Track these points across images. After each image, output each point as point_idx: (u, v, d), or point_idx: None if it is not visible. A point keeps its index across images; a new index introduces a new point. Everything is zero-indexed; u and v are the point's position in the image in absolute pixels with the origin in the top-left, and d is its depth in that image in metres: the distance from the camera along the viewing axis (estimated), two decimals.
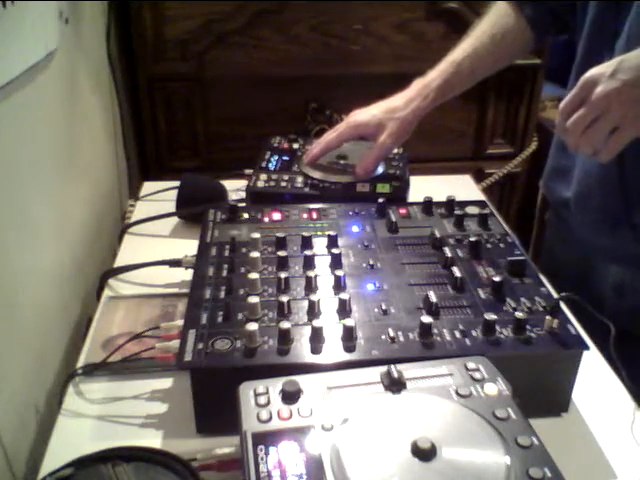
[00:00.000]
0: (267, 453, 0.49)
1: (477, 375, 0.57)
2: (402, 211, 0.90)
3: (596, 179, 0.85)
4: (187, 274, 0.82)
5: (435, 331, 0.65)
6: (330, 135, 1.02)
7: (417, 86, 0.98)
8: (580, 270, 0.95)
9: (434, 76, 0.97)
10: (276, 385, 0.55)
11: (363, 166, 0.99)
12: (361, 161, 1.00)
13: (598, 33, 0.84)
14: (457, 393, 0.55)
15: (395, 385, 0.55)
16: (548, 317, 0.66)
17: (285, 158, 1.08)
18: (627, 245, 0.85)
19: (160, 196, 1.10)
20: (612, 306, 0.87)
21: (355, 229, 0.86)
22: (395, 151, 1.10)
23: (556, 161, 0.97)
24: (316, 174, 1.02)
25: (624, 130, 0.68)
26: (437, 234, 0.81)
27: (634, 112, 0.67)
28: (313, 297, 0.68)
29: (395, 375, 0.55)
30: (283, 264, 0.76)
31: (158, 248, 0.95)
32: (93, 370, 0.73)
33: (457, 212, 0.87)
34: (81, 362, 0.75)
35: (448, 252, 0.77)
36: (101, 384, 0.72)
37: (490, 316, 0.65)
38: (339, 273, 0.73)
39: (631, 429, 0.67)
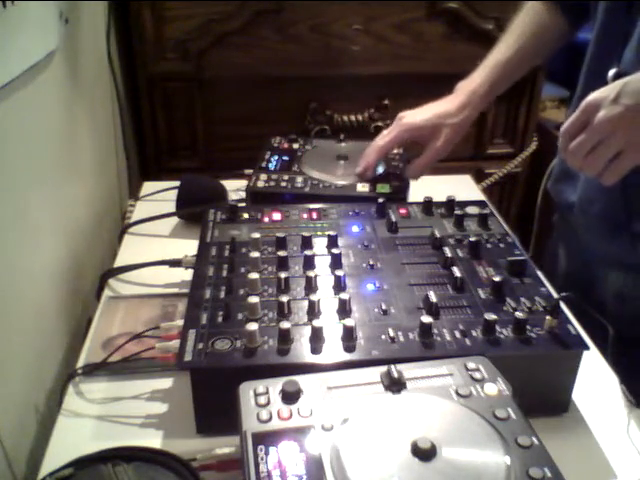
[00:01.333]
0: (267, 453, 0.49)
1: (477, 375, 0.57)
2: (402, 211, 0.90)
3: (599, 186, 0.84)
4: (187, 274, 0.82)
5: (435, 331, 0.65)
6: (383, 140, 0.99)
7: (466, 92, 0.97)
8: (583, 274, 0.94)
9: (481, 81, 0.96)
10: (276, 385, 0.55)
11: (414, 170, 0.98)
12: (412, 165, 0.99)
13: (607, 35, 0.83)
14: (457, 393, 0.55)
15: (395, 385, 0.55)
16: (548, 317, 0.66)
17: (285, 158, 1.08)
18: (627, 253, 0.84)
19: (160, 196, 1.10)
20: (613, 311, 0.87)
21: (355, 229, 0.86)
22: (395, 151, 1.10)
23: (563, 165, 0.96)
24: (316, 174, 1.02)
25: (627, 155, 0.67)
26: (437, 234, 0.81)
27: (638, 138, 0.66)
28: (313, 297, 0.68)
29: (395, 375, 0.55)
30: (283, 264, 0.76)
31: (158, 248, 0.95)
32: (93, 370, 0.73)
33: (457, 212, 0.87)
34: (81, 362, 0.76)
35: (448, 252, 0.77)
36: (101, 384, 0.73)
37: (490, 316, 0.65)
38: (339, 273, 0.73)
39: (631, 429, 0.67)
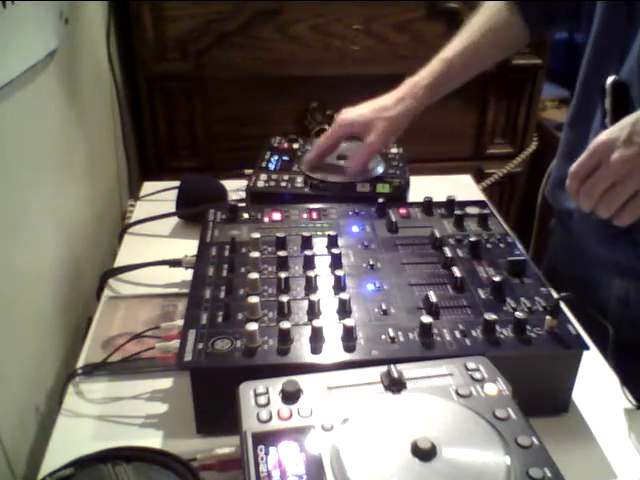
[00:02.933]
0: (267, 453, 0.49)
1: (477, 375, 0.57)
2: (402, 211, 0.90)
3: None
4: (187, 274, 0.82)
5: (435, 331, 0.65)
6: (322, 138, 1.01)
7: (407, 85, 0.97)
8: (584, 278, 0.93)
9: (424, 74, 0.97)
10: (276, 385, 0.55)
11: (352, 165, 0.99)
12: (351, 160, 1.00)
13: (606, 42, 0.82)
14: (457, 393, 0.55)
15: (395, 385, 0.55)
16: (548, 317, 0.66)
17: (285, 158, 1.08)
18: (630, 261, 0.84)
19: (160, 196, 1.10)
20: (615, 316, 0.86)
21: (355, 229, 0.86)
22: (395, 151, 1.10)
23: (562, 171, 0.95)
24: (316, 174, 1.02)
25: None
26: (437, 234, 0.81)
27: None
28: (313, 297, 0.68)
29: (395, 375, 0.55)
30: (283, 264, 0.76)
31: (158, 248, 0.95)
32: (93, 370, 0.73)
33: (457, 212, 0.87)
34: (81, 362, 0.75)
35: (448, 252, 0.77)
36: (101, 384, 0.72)
37: (490, 316, 0.65)
38: (339, 273, 0.73)
39: (631, 429, 0.67)
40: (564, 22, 0.96)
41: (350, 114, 0.99)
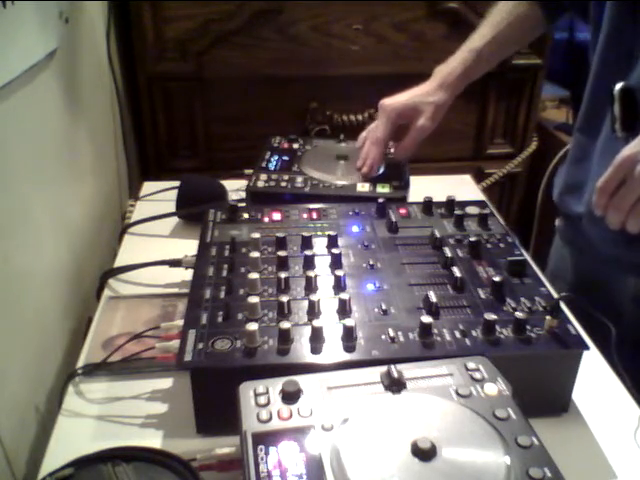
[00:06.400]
0: (267, 453, 0.49)
1: (477, 375, 0.57)
2: (402, 211, 0.90)
3: None
4: (187, 274, 0.82)
5: (435, 331, 0.65)
6: (378, 131, 1.00)
7: (440, 76, 0.99)
8: (596, 278, 0.93)
9: (456, 65, 0.98)
10: (276, 385, 0.55)
11: (404, 149, 1.00)
12: (401, 143, 1.00)
13: (613, 48, 0.82)
14: (457, 393, 0.55)
15: (395, 385, 0.55)
16: (548, 317, 0.66)
17: (285, 158, 1.08)
18: None
19: (160, 196, 1.10)
20: (631, 317, 0.86)
21: (355, 229, 0.86)
22: (393, 150, 1.10)
23: (570, 176, 0.95)
24: (316, 174, 1.02)
25: None
26: (437, 234, 0.81)
27: None
28: (313, 297, 0.68)
29: (395, 375, 0.55)
30: (283, 264, 0.76)
31: (158, 248, 0.95)
32: (93, 370, 0.73)
33: (457, 212, 0.87)
34: (81, 362, 0.76)
35: (448, 252, 0.77)
36: (101, 384, 0.72)
37: (490, 316, 0.65)
38: (339, 273, 0.73)
39: (631, 429, 0.67)
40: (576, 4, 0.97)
41: (395, 100, 0.99)
